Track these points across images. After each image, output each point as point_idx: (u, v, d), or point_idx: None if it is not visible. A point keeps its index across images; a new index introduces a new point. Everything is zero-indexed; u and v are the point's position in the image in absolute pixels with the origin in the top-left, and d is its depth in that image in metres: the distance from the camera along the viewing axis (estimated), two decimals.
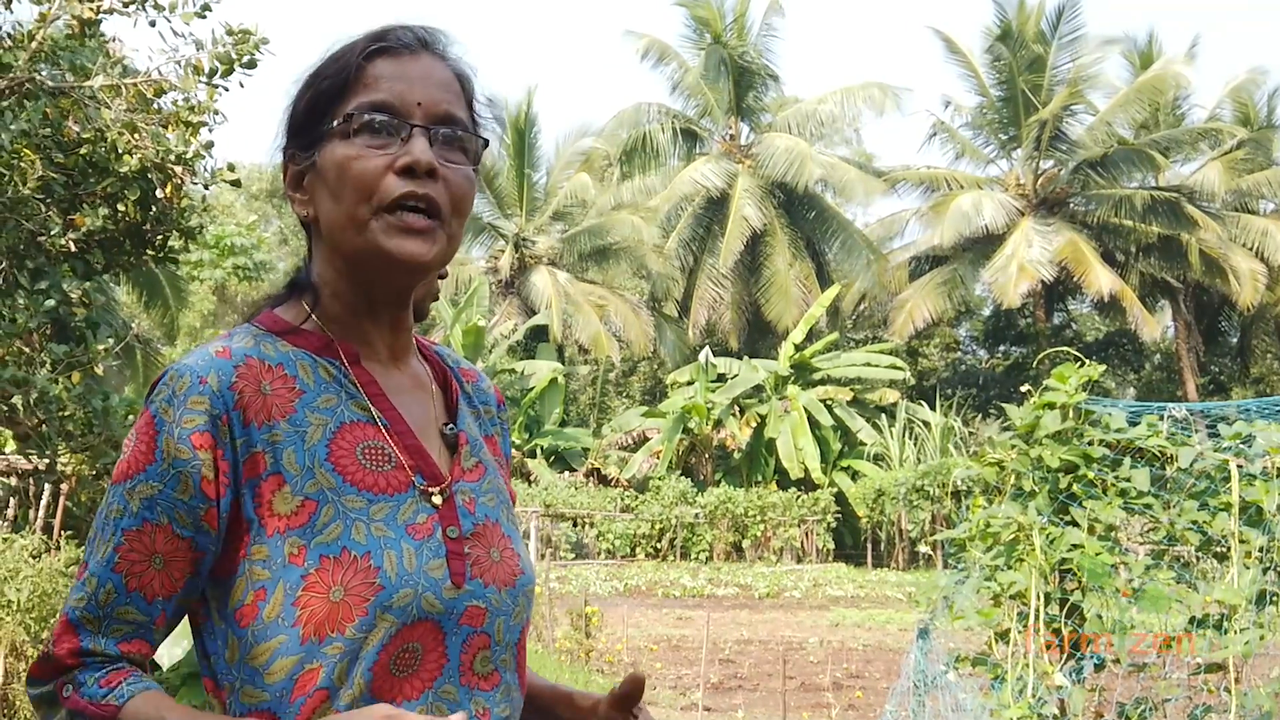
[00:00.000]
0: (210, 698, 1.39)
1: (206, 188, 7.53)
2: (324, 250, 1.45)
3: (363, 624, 1.29)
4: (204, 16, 7.00)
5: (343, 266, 1.42)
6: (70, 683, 1.30)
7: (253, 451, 1.33)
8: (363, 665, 1.29)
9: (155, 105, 7.10)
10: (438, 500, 1.40)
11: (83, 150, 6.90)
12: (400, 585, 1.31)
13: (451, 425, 1.50)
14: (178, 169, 7.03)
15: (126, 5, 7.03)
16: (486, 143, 1.48)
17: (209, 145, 7.27)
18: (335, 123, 1.39)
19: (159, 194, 7.14)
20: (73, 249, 6.92)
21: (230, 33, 6.99)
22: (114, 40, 7.27)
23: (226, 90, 7.17)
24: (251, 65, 7.05)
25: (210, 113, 7.16)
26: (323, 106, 1.42)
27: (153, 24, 7.05)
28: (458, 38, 1.49)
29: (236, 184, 7.41)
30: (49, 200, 6.89)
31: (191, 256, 24.25)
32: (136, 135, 6.82)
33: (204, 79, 7.07)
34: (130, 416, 9.18)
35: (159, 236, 7.52)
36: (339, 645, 1.29)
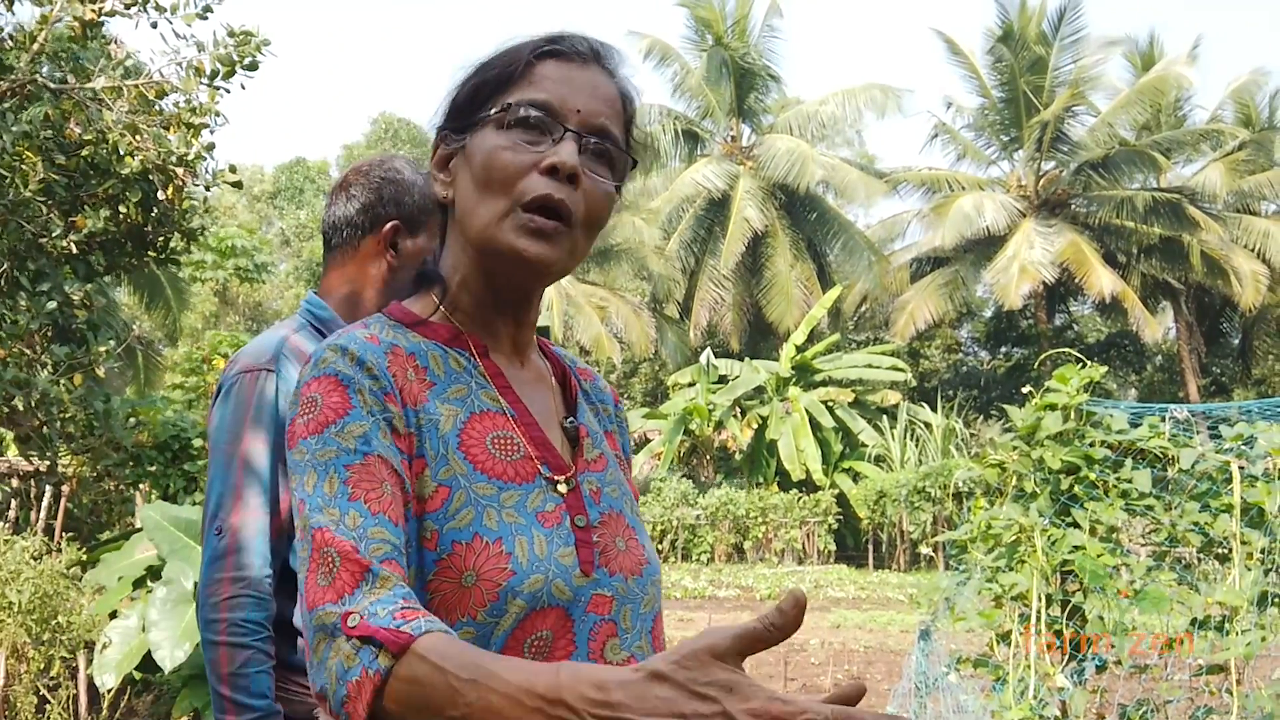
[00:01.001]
0: None
1: (208, 189, 7.55)
2: (457, 235, 1.47)
3: (493, 609, 1.29)
4: (205, 18, 7.02)
5: (471, 251, 1.44)
6: (357, 613, 1.18)
7: (408, 432, 1.35)
8: (492, 650, 1.27)
9: (157, 107, 7.12)
10: (563, 489, 1.42)
11: (84, 152, 6.92)
12: (531, 571, 1.31)
13: (572, 419, 1.53)
14: (179, 170, 7.05)
15: (128, 7, 7.04)
16: (635, 164, 1.49)
17: (210, 147, 7.29)
18: (493, 110, 1.42)
19: (160, 195, 7.16)
20: (74, 251, 6.93)
21: (232, 34, 7.01)
22: (114, 42, 7.27)
23: (228, 92, 7.19)
24: (253, 67, 7.07)
25: (212, 114, 7.18)
26: (485, 95, 1.44)
27: (154, 25, 7.06)
28: (628, 58, 1.51)
29: (238, 185, 7.42)
30: (50, 202, 6.91)
31: (193, 258, 24.25)
32: (138, 137, 6.84)
33: (205, 80, 7.08)
34: (132, 418, 9.23)
35: (160, 238, 7.54)
36: (470, 630, 1.29)
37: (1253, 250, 32.41)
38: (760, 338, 36.10)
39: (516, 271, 1.41)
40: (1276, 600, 4.70)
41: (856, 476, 30.00)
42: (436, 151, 1.50)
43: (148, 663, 6.44)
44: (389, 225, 2.53)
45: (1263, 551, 4.78)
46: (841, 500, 29.43)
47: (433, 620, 1.18)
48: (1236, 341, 40.09)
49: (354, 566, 1.21)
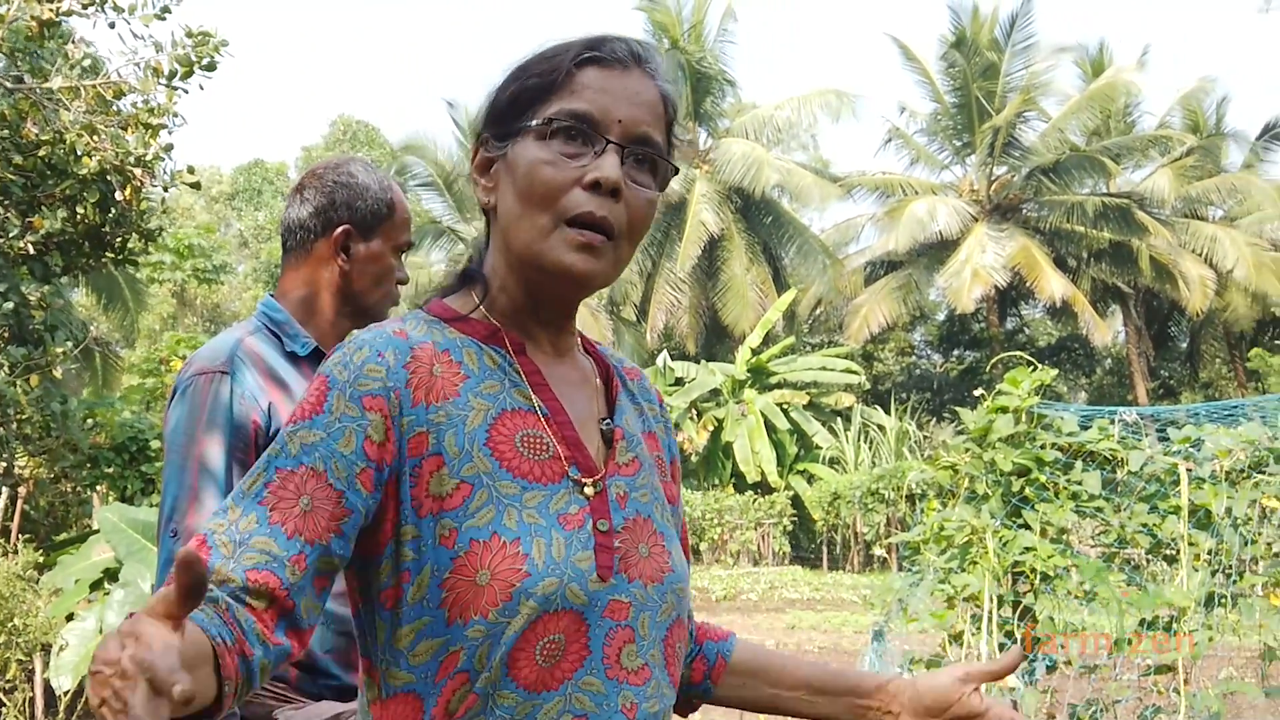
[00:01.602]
0: (364, 676, 1.40)
1: (166, 190, 7.50)
2: (499, 241, 1.46)
3: (505, 609, 1.29)
4: (164, 19, 6.98)
5: (514, 261, 1.43)
6: None
7: (417, 431, 1.34)
8: (501, 650, 1.29)
9: (115, 107, 7.07)
10: (590, 492, 1.41)
11: (41, 152, 6.86)
12: (546, 574, 1.31)
13: (608, 420, 1.51)
14: (137, 171, 7.01)
15: (86, 7, 6.99)
16: (677, 169, 1.49)
17: (168, 147, 7.24)
18: (534, 121, 1.40)
19: (118, 196, 7.12)
20: (31, 251, 6.89)
21: (190, 35, 6.97)
22: (73, 42, 7.22)
23: (186, 93, 7.15)
24: (211, 68, 7.03)
25: (170, 115, 7.13)
26: (525, 102, 1.43)
27: (112, 25, 7.03)
28: (665, 57, 1.49)
29: (196, 186, 7.38)
30: (7, 202, 6.86)
31: (151, 259, 24.01)
32: (96, 137, 6.79)
33: (163, 81, 7.04)
34: (89, 420, 9.17)
35: (118, 239, 7.50)
36: (480, 629, 1.29)
37: (1200, 255, 32.77)
38: (716, 340, 36.17)
39: (561, 285, 1.41)
40: (1223, 600, 4.79)
41: (811, 478, 30.09)
42: (476, 155, 1.49)
43: None
44: (340, 229, 2.53)
45: (1210, 553, 4.87)
46: (796, 502, 29.51)
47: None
48: (1184, 345, 40.56)
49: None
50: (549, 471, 1.39)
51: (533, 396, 1.43)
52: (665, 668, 1.44)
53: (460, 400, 1.38)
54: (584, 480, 1.41)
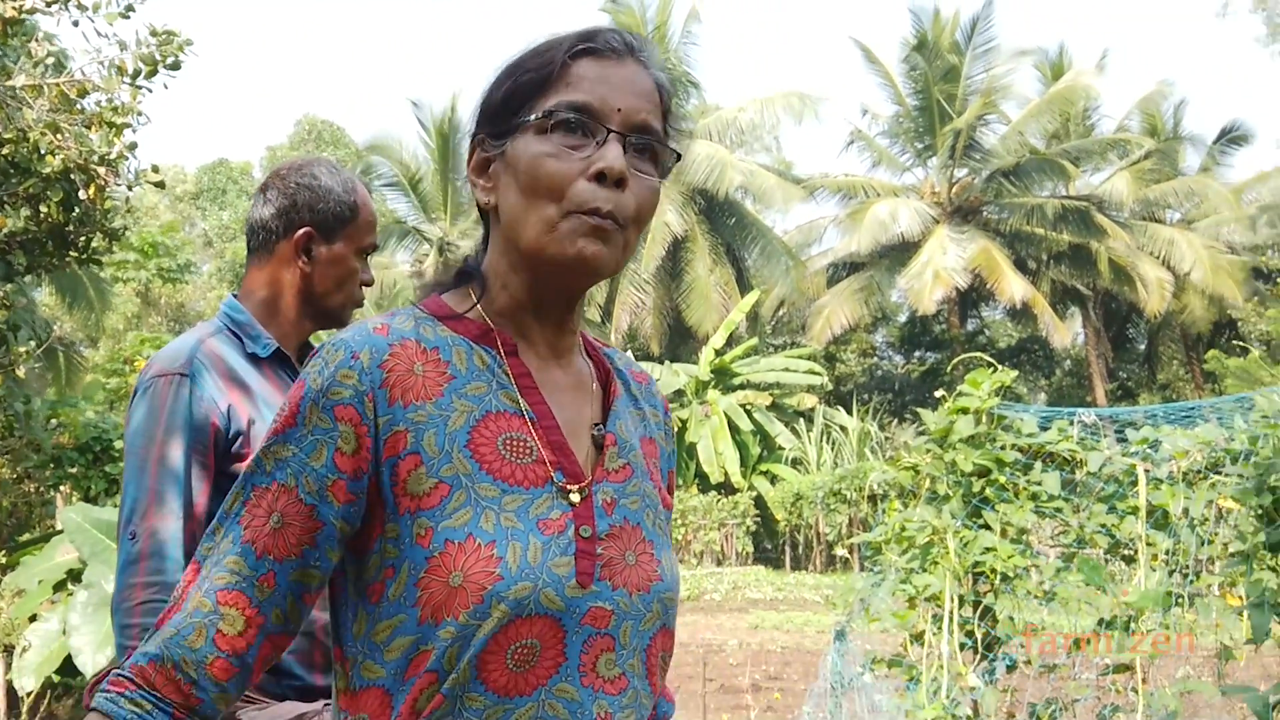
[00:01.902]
0: (336, 666, 1.41)
1: (130, 189, 7.46)
2: (500, 241, 1.44)
3: (476, 611, 1.29)
4: (128, 17, 6.94)
5: (517, 260, 1.42)
6: (105, 679, 1.34)
7: (395, 430, 1.35)
8: (470, 652, 1.29)
9: (78, 106, 7.03)
10: (575, 498, 1.39)
11: (4, 150, 6.82)
12: (519, 578, 1.31)
13: (600, 426, 1.49)
14: (101, 170, 6.97)
15: (49, 5, 6.95)
16: (679, 156, 1.48)
17: (132, 146, 7.20)
18: (533, 116, 1.39)
19: (82, 195, 7.08)
20: None
21: (154, 34, 6.94)
22: (36, 40, 7.17)
23: (150, 91, 7.11)
24: (175, 66, 7.00)
25: (134, 114, 7.10)
26: (520, 98, 1.41)
27: (76, 24, 6.99)
28: (656, 48, 1.48)
29: (160, 185, 7.35)
30: None
31: (115, 258, 23.84)
32: (59, 136, 6.75)
33: (128, 80, 7.00)
34: (52, 420, 9.11)
35: (82, 237, 7.46)
36: (451, 630, 1.29)
37: (1158, 258, 33.09)
38: (680, 341, 36.19)
39: (570, 275, 1.40)
40: (1181, 600, 4.85)
41: (774, 479, 30.16)
42: (473, 157, 1.47)
43: (68, 666, 6.38)
44: (301, 231, 2.52)
45: (1167, 553, 4.93)
46: (759, 502, 29.58)
47: (117, 704, 1.32)
48: (1142, 347, 40.93)
49: (176, 606, 1.35)
50: (531, 476, 1.38)
51: (520, 400, 1.42)
52: (645, 678, 1.43)
53: (443, 400, 1.38)
54: (569, 486, 1.40)
